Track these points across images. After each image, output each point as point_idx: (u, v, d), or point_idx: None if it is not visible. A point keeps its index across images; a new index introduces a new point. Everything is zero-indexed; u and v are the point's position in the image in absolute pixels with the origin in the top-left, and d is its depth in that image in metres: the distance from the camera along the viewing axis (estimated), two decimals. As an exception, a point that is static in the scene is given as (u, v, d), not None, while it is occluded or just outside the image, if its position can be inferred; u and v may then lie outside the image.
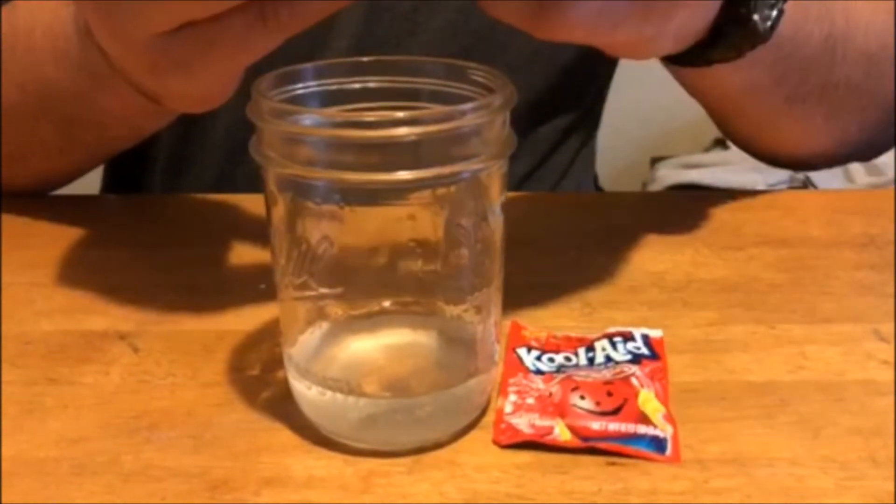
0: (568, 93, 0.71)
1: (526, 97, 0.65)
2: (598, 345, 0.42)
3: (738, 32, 0.47)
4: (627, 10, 0.40)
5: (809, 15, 0.54)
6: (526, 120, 0.65)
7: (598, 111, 0.78)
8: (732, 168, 1.39)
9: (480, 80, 0.36)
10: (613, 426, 0.37)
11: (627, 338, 0.43)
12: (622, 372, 0.40)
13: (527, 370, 0.41)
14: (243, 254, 0.52)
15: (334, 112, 0.36)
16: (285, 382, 0.39)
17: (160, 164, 0.70)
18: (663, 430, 0.37)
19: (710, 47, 0.48)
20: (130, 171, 0.74)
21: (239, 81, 0.42)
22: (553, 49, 0.66)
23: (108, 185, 0.79)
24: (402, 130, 0.31)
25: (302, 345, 0.38)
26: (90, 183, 0.82)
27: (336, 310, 0.38)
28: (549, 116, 0.71)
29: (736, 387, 0.40)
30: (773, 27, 0.48)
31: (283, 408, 0.38)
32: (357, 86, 0.37)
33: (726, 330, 0.45)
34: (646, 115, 1.60)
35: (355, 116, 0.34)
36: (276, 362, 0.41)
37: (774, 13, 0.48)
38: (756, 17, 0.47)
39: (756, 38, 0.48)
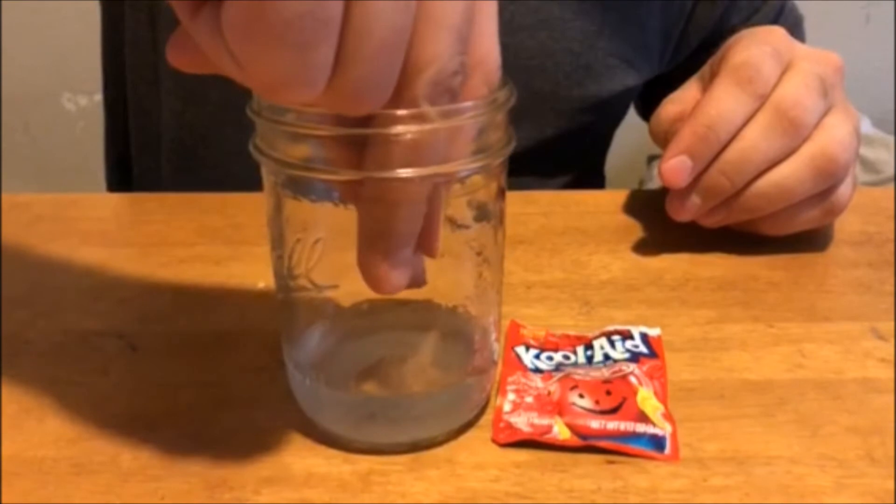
0: (579, 147, 0.73)
1: (545, 150, 0.67)
2: (596, 343, 0.42)
3: None
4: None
5: None
6: (535, 167, 0.67)
7: (604, 160, 0.81)
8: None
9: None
10: (612, 425, 0.37)
11: (626, 336, 0.43)
12: (621, 370, 0.40)
13: (525, 369, 0.41)
14: (242, 252, 0.52)
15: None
16: (284, 381, 0.39)
17: (170, 161, 0.70)
18: (662, 429, 0.37)
19: None
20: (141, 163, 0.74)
21: None
22: (573, 114, 0.68)
23: (114, 179, 0.79)
24: (401, 128, 0.31)
25: (301, 343, 0.38)
26: (94, 181, 0.82)
27: (335, 308, 0.38)
28: (562, 166, 0.73)
29: (734, 385, 0.40)
30: None
31: (283, 406, 0.38)
32: None
33: (724, 328, 0.45)
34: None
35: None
36: (275, 361, 0.41)
37: None
38: None
39: None
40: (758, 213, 0.51)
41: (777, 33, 0.52)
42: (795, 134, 0.48)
